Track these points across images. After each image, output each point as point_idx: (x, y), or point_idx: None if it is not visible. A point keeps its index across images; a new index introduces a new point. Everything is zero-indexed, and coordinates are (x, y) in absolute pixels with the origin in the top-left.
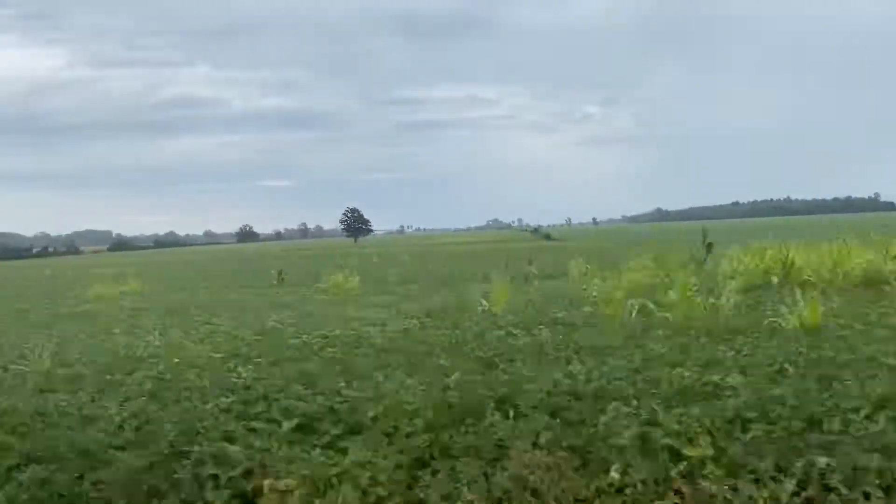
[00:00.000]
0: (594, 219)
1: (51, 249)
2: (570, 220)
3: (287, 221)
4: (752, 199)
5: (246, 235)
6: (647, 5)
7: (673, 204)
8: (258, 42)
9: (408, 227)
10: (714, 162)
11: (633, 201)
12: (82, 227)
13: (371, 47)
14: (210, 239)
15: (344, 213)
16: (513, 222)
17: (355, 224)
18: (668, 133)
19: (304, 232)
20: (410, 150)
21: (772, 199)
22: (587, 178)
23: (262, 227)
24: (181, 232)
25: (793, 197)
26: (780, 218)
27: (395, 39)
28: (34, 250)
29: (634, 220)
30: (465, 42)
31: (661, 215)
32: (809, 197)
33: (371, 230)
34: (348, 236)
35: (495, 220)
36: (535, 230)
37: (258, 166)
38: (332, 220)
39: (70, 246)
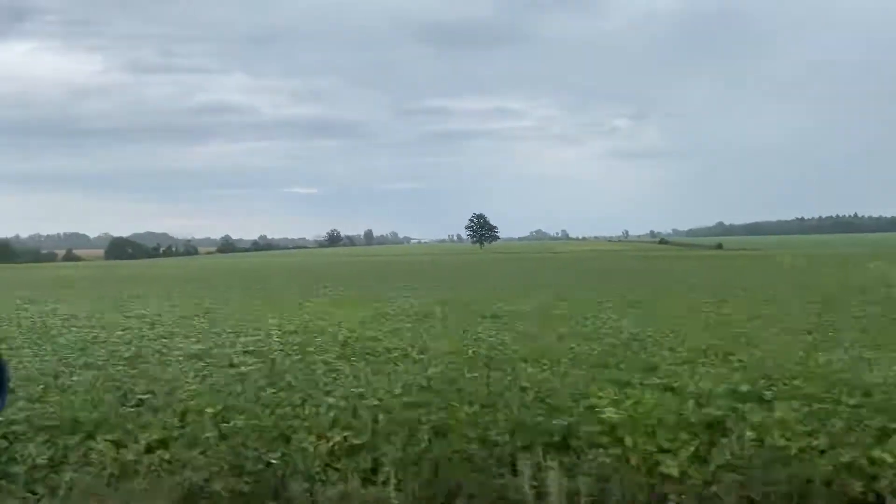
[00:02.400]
0: (651, 231)
1: (174, 250)
2: (626, 232)
3: (318, 228)
4: (817, 215)
5: (334, 240)
6: (676, 20)
7: (735, 218)
8: (291, 51)
9: (453, 237)
10: (766, 176)
11: (691, 214)
12: (141, 230)
13: (400, 57)
14: (267, 243)
15: (470, 220)
16: (557, 234)
17: (482, 230)
18: (709, 146)
19: (369, 237)
20: (438, 160)
21: (838, 216)
22: (629, 190)
23: (299, 233)
24: (234, 236)
25: (860, 213)
26: (855, 235)
27: (425, 49)
28: (161, 250)
29: (694, 233)
30: (494, 53)
31: (724, 229)
32: (877, 214)
33: (497, 236)
34: (474, 242)
35: (539, 232)
36: (662, 241)
37: (287, 173)
38: (358, 227)
39: (188, 247)
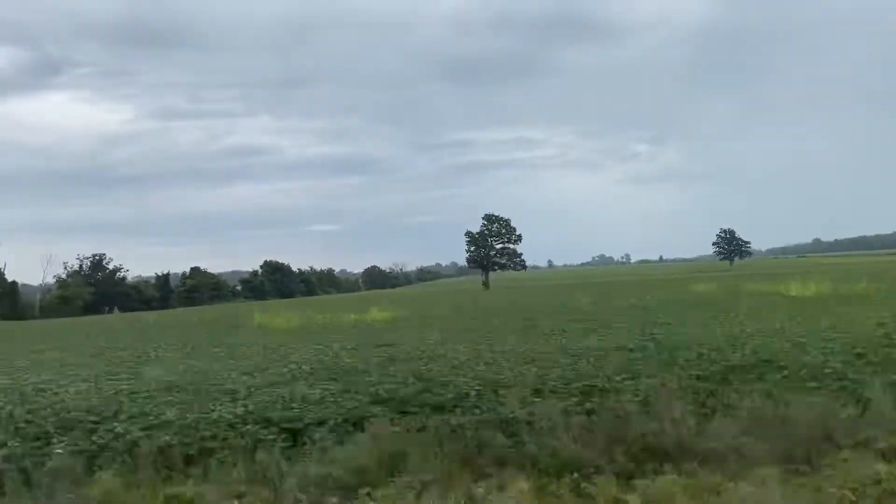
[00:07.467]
0: None
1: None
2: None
3: (343, 262)
4: None
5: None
6: (695, 44)
7: (830, 234)
8: (316, 92)
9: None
10: (832, 191)
11: (782, 232)
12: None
13: (422, 94)
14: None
15: (717, 235)
16: (621, 258)
17: (731, 246)
18: (755, 165)
19: (455, 267)
20: (460, 192)
21: None
22: (685, 212)
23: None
24: None
25: None
26: None
27: (445, 85)
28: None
29: (785, 251)
30: (513, 84)
31: (822, 246)
32: None
33: (749, 252)
34: (722, 259)
35: (602, 256)
36: None
37: (309, 211)
38: (384, 260)
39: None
